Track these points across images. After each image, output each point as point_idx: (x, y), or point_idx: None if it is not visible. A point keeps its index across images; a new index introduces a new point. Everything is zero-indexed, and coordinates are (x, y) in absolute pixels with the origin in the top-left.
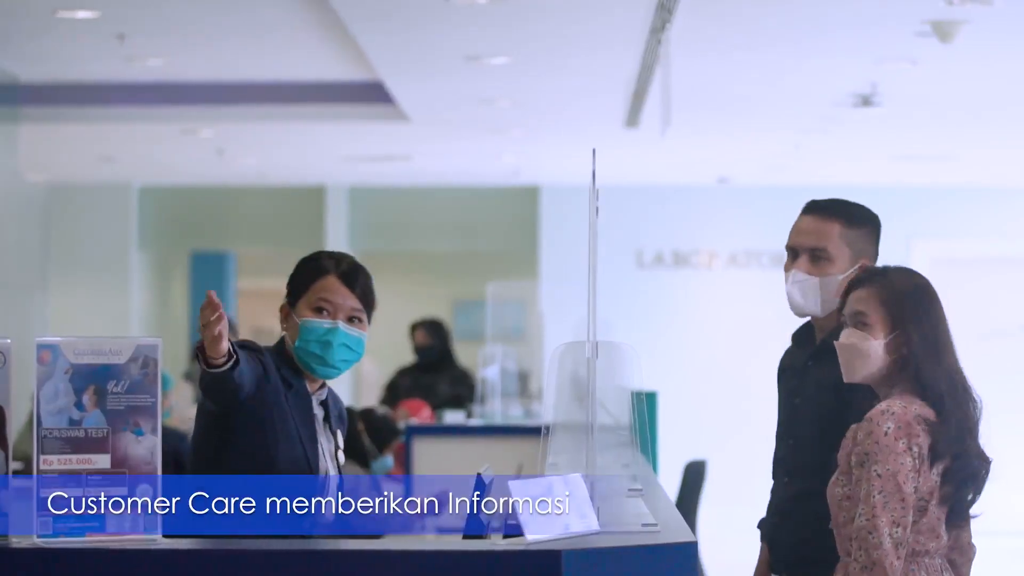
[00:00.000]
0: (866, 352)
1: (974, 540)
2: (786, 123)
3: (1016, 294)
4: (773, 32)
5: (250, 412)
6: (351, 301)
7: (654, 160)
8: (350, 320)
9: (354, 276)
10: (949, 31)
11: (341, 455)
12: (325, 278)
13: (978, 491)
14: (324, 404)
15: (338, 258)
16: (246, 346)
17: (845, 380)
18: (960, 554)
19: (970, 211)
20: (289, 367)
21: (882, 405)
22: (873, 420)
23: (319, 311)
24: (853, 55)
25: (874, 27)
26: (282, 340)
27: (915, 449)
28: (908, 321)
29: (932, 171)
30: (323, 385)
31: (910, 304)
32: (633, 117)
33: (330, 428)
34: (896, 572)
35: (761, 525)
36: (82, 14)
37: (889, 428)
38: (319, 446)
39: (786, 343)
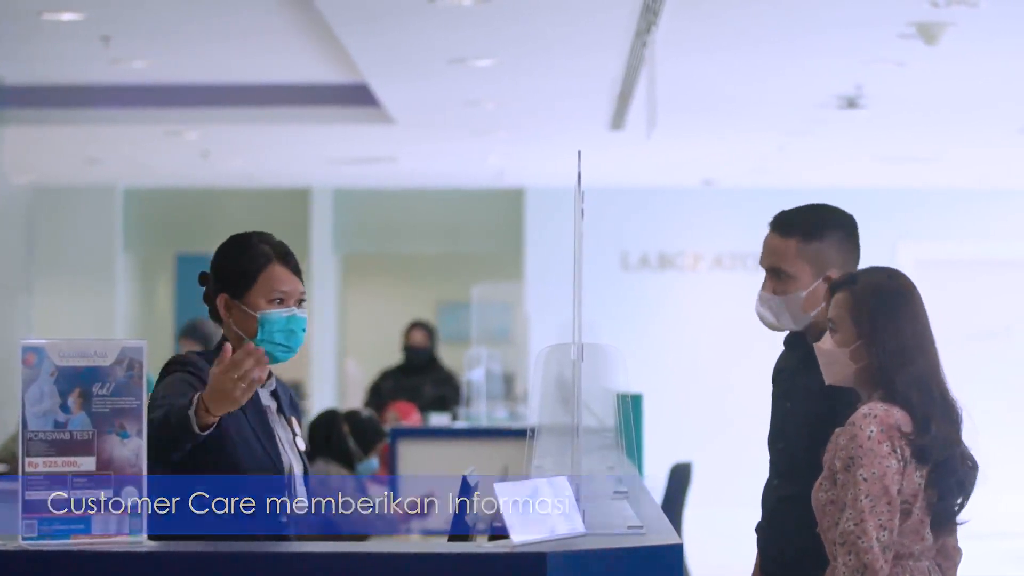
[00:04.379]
0: (835, 359)
1: (961, 543)
2: (771, 125)
3: (1001, 295)
4: (758, 34)
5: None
6: (298, 285)
7: (639, 162)
8: (299, 304)
9: (292, 258)
10: (934, 33)
11: (300, 441)
12: (271, 266)
13: (966, 497)
14: (274, 394)
15: (269, 241)
16: (188, 365)
17: (826, 383)
18: (945, 558)
19: (955, 213)
20: None
21: (864, 408)
22: (856, 424)
23: (274, 301)
24: (838, 57)
25: (859, 29)
26: (223, 337)
27: (899, 451)
28: (873, 329)
29: (917, 173)
30: (270, 375)
31: (875, 311)
32: (618, 119)
33: (284, 417)
34: (884, 575)
35: (758, 530)
36: (67, 16)
37: (872, 431)
38: (277, 440)
39: (771, 345)
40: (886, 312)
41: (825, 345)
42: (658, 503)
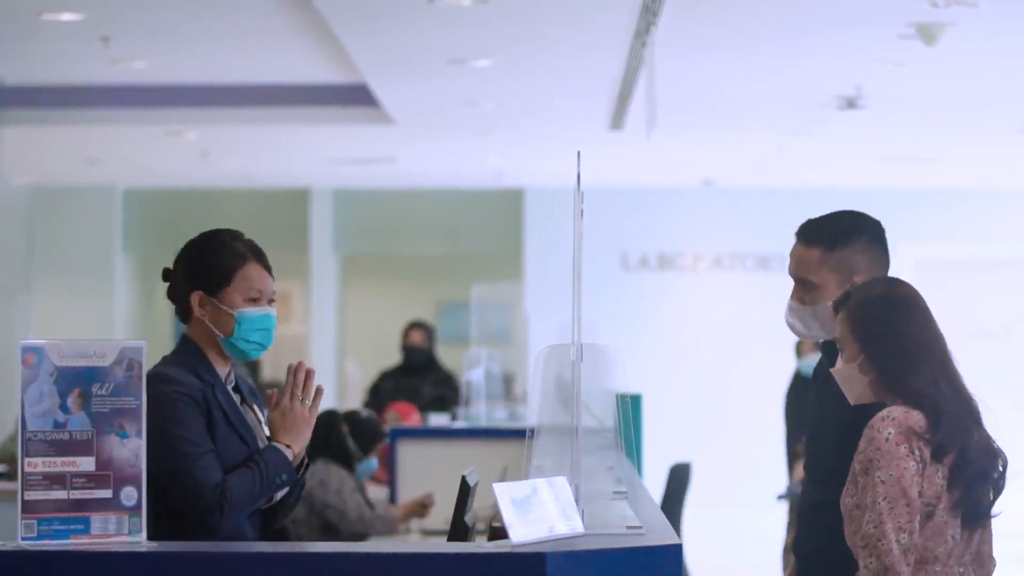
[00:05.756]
0: (848, 377)
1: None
2: (771, 125)
3: (1000, 296)
4: (758, 34)
5: None
6: (270, 283)
7: (639, 162)
8: (270, 302)
9: (265, 256)
10: (933, 33)
11: (265, 428)
12: (247, 265)
13: (996, 490)
14: (236, 388)
15: (242, 240)
16: (170, 382)
17: (851, 403)
18: (980, 566)
19: (955, 213)
20: (202, 364)
21: (883, 412)
22: (874, 427)
23: (250, 300)
24: (838, 57)
25: (859, 29)
26: (185, 338)
27: (917, 453)
28: (871, 340)
29: (916, 173)
30: (230, 371)
31: (871, 322)
32: (618, 119)
33: (248, 405)
34: None
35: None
36: (67, 16)
37: (890, 434)
38: (252, 431)
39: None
40: (882, 320)
41: (837, 366)
42: (657, 503)
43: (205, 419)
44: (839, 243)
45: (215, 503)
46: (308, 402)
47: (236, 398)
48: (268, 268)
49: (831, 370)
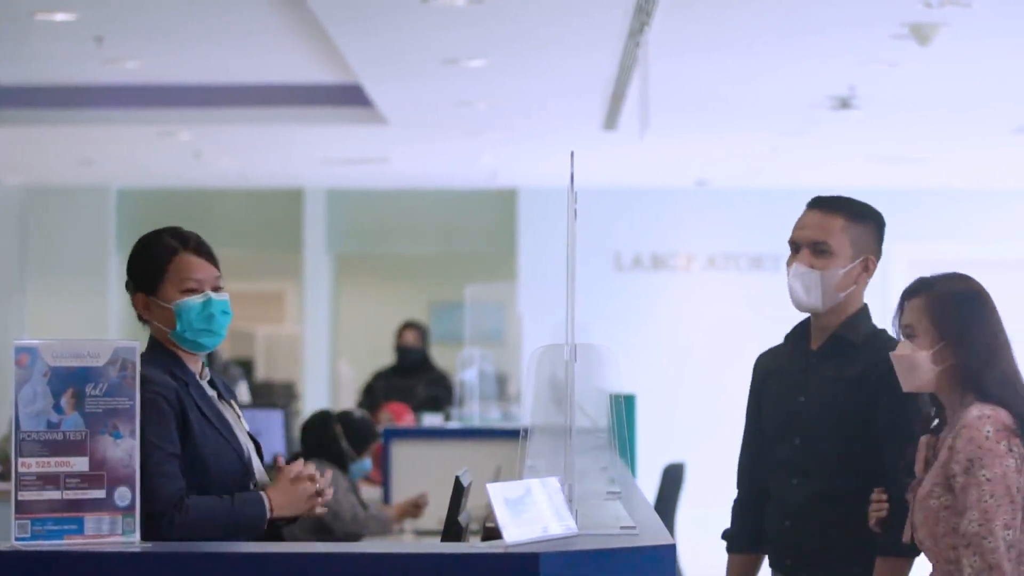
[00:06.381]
0: (915, 364)
1: None
2: (764, 125)
3: (996, 296)
4: (751, 34)
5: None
6: (211, 271)
7: (632, 163)
8: (215, 290)
9: (204, 247)
10: (927, 34)
11: (244, 422)
12: (178, 256)
13: None
14: (211, 383)
15: (176, 234)
16: (147, 383)
17: (904, 390)
18: None
19: (949, 213)
20: (174, 362)
21: (974, 411)
22: (972, 426)
23: (188, 291)
24: (831, 57)
25: (852, 29)
26: (152, 338)
27: (1015, 449)
28: (955, 331)
29: (910, 173)
30: (204, 366)
31: (957, 313)
32: (611, 119)
33: (225, 401)
34: (1011, 574)
35: (726, 535)
36: (60, 16)
37: (989, 432)
38: (230, 425)
39: (764, 345)
40: (969, 313)
41: (905, 351)
42: (651, 503)
43: (179, 419)
44: (860, 218)
45: (164, 512)
46: (316, 497)
47: (213, 393)
48: (208, 256)
49: (891, 354)
